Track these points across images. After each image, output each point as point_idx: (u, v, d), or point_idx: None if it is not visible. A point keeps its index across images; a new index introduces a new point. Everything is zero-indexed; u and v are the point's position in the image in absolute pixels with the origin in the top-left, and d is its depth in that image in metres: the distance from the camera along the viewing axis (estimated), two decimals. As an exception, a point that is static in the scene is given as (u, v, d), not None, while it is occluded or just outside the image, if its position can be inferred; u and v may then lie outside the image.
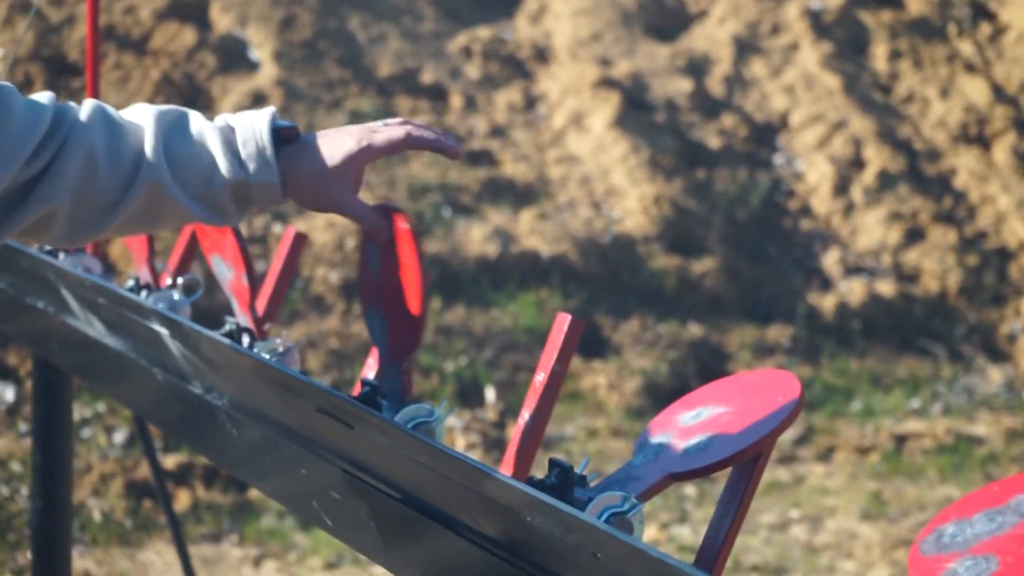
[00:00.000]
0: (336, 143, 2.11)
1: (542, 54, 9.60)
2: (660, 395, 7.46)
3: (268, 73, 8.90)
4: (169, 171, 2.02)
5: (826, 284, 8.52)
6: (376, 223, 2.21)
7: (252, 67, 8.98)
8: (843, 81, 9.60)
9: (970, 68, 9.90)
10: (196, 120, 2.07)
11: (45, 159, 2.00)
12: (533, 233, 8.15)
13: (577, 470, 1.87)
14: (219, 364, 2.36)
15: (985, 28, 10.21)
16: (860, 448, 7.30)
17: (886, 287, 8.48)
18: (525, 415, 1.99)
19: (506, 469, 2.01)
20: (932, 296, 8.56)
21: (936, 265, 8.68)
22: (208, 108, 8.65)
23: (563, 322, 1.98)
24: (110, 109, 2.06)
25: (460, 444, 6.85)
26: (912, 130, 9.50)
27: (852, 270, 8.62)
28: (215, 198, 2.05)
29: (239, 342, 2.46)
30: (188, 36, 8.99)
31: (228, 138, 2.06)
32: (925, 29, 10.16)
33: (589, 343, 7.73)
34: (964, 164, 9.30)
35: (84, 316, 2.88)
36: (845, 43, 9.95)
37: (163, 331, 2.51)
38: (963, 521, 1.63)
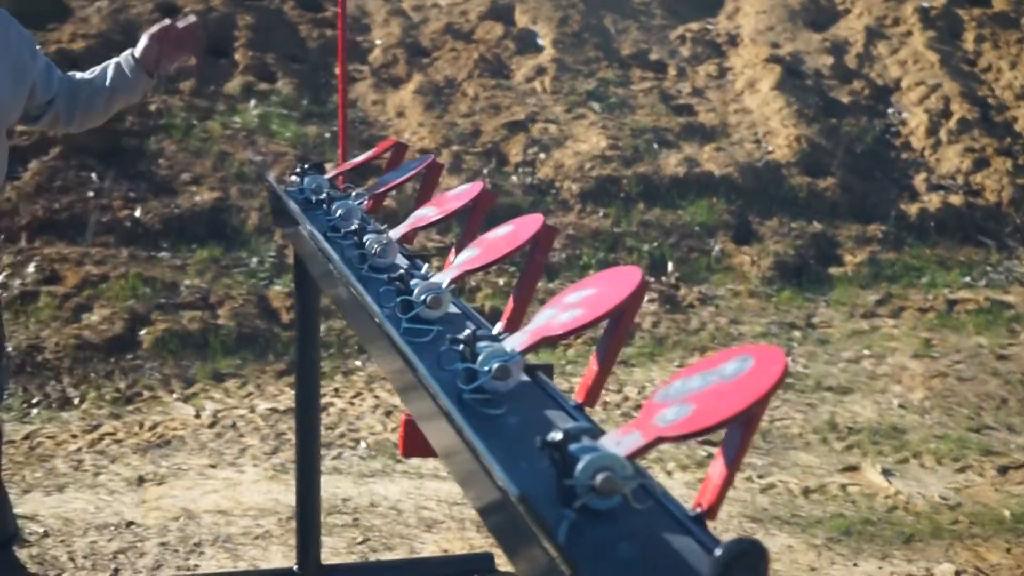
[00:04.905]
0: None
1: (733, 40, 9.24)
2: (787, 270, 7.19)
3: (548, 54, 8.79)
4: (120, 91, 3.13)
5: (914, 196, 8.03)
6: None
7: (539, 50, 8.89)
8: (940, 57, 8.97)
9: (1029, 47, 9.14)
10: (122, 61, 3.13)
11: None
12: (710, 160, 7.90)
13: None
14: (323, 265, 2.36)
15: (1045, 18, 9.40)
16: (922, 308, 6.91)
17: (956, 199, 7.95)
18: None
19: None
20: (990, 205, 7.99)
21: (995, 184, 8.09)
22: (509, 77, 8.62)
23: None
24: (81, 77, 3.14)
25: (646, 300, 6.72)
26: (988, 90, 8.83)
27: (933, 187, 8.09)
28: (133, 88, 3.14)
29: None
30: (498, 30, 8.94)
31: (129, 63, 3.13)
32: (1004, 20, 9.40)
33: (744, 233, 7.48)
34: (1022, 114, 8.61)
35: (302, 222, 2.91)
36: (945, 31, 9.28)
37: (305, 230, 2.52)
38: (687, 379, 1.50)
